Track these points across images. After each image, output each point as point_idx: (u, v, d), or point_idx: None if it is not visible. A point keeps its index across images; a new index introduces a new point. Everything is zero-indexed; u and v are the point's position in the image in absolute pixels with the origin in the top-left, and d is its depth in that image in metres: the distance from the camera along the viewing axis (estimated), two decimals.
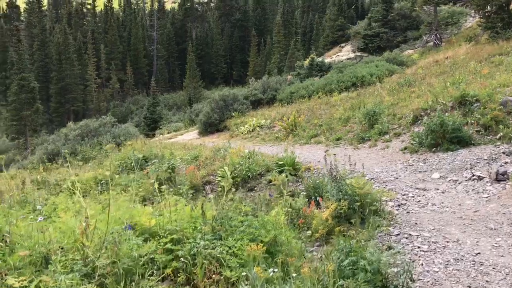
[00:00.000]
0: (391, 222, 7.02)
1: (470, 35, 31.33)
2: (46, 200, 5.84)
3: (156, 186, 5.21)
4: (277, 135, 18.71)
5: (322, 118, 18.39)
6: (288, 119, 18.62)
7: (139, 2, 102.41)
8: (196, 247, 4.07)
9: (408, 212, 7.59)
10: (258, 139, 19.77)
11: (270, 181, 10.70)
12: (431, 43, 33.78)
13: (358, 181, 7.36)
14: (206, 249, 4.19)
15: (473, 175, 8.99)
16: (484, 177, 8.78)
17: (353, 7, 65.81)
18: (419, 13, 39.67)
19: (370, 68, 26.38)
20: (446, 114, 11.66)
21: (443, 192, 8.50)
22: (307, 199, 8.49)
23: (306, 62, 38.64)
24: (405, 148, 11.62)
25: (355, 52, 40.54)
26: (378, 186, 9.35)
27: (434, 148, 10.80)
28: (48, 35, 58.37)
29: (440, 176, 9.37)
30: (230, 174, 11.28)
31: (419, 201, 8.21)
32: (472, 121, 11.08)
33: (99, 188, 13.44)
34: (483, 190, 8.20)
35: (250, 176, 11.05)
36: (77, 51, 59.70)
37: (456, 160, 9.86)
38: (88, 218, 3.89)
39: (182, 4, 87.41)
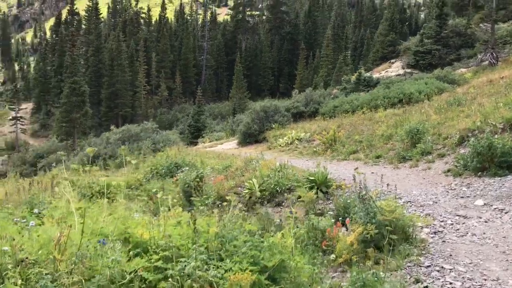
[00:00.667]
0: (423, 252, 6.32)
1: None
2: (50, 203, 5.60)
3: (160, 195, 4.83)
4: (315, 149, 18.12)
5: (363, 134, 17.66)
6: (327, 133, 18.00)
7: (193, 13, 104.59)
8: (185, 268, 3.65)
9: (444, 241, 6.86)
10: (296, 153, 19.25)
11: (299, 196, 10.18)
12: (486, 62, 32.10)
13: (390, 203, 6.73)
14: (199, 270, 3.76)
15: None
16: None
17: (406, 23, 64.20)
18: (475, 31, 38.02)
19: (418, 85, 25.30)
20: (496, 136, 10.74)
21: (486, 222, 7.69)
22: (333, 220, 7.92)
23: (354, 77, 37.78)
24: (448, 171, 10.78)
25: (405, 68, 39.23)
26: (415, 210, 8.63)
27: (480, 173, 9.92)
28: (103, 42, 60.45)
29: (485, 204, 8.54)
30: (258, 187, 10.86)
31: (458, 229, 7.46)
32: None
33: (129, 193, 13.38)
34: None
35: (279, 191, 10.56)
36: (129, 58, 61.31)
37: (504, 187, 8.98)
38: (71, 227, 3.56)
39: (234, 16, 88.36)
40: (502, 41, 34.00)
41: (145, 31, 73.67)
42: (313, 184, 10.27)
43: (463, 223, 7.74)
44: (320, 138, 18.10)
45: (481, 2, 35.70)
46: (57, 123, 44.71)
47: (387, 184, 10.69)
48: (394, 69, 42.85)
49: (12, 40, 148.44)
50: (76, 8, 72.73)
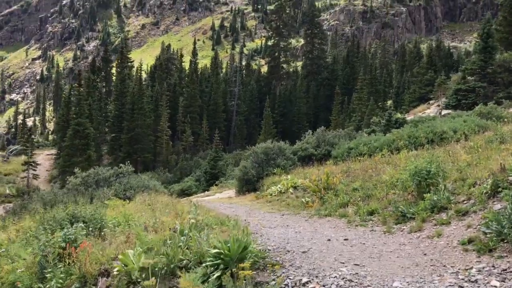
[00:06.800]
0: None
1: None
2: None
3: None
4: (303, 199, 13.55)
5: (368, 181, 12.99)
6: (318, 179, 13.48)
7: (233, 62, 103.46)
8: None
9: None
10: (283, 204, 14.72)
11: None
12: None
13: None
14: None
15: None
16: None
17: (453, 68, 58.80)
18: None
19: (454, 123, 20.33)
20: None
21: None
22: None
23: (383, 119, 33.13)
24: (469, 242, 6.05)
25: (441, 107, 33.99)
26: None
27: None
28: (127, 86, 58.65)
29: None
30: (140, 263, 6.50)
31: None
32: None
33: None
34: None
35: (162, 273, 6.10)
36: (154, 102, 59.05)
37: None
38: None
39: (268, 62, 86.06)
40: None
41: (174, 77, 72.03)
42: (219, 262, 5.82)
43: None
44: (309, 184, 13.57)
45: None
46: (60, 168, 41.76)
47: (355, 265, 6.12)
48: (434, 109, 37.68)
49: (65, 91, 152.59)
50: (110, 55, 72.44)
